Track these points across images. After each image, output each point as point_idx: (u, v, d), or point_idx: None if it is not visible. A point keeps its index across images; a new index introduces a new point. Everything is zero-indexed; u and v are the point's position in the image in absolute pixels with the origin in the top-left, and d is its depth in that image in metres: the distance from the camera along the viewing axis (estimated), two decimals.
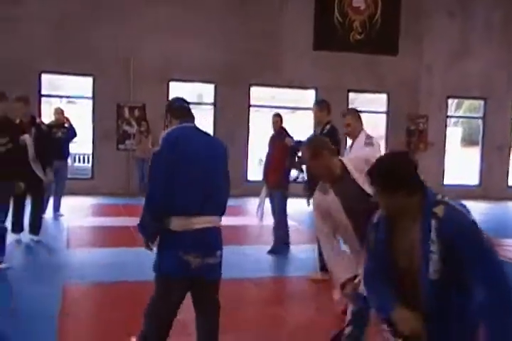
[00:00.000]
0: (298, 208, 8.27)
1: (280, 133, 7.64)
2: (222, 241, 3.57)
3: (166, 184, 3.35)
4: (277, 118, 7.77)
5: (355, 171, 3.25)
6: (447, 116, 15.81)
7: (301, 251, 7.55)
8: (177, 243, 3.39)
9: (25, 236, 7.75)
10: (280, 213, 7.57)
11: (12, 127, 6.77)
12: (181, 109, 3.66)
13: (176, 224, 3.38)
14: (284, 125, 7.77)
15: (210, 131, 13.88)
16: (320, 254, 5.49)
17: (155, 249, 3.52)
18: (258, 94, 14.71)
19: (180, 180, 3.37)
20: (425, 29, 15.02)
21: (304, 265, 6.82)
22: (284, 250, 7.59)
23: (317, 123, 6.59)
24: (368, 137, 5.52)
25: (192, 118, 3.66)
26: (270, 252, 7.51)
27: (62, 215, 10.05)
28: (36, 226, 7.87)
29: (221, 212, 3.53)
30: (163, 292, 3.48)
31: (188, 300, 3.57)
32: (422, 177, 2.52)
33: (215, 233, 3.50)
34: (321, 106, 6.52)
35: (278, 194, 7.54)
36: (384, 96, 15.18)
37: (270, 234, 7.73)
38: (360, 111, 5.96)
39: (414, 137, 15.20)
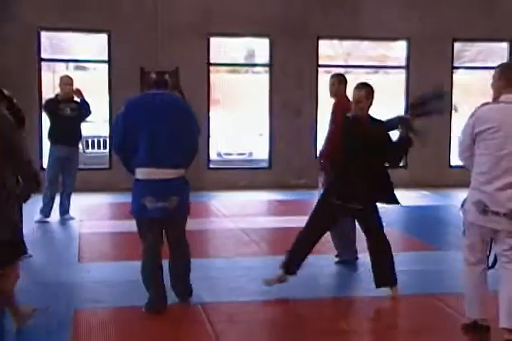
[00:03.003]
0: None
1: (341, 105, 7.41)
2: (179, 189, 5.56)
3: (123, 141, 5.50)
4: (333, 80, 7.60)
5: None
6: None
7: None
8: (139, 190, 5.51)
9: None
10: None
11: None
12: (153, 82, 5.68)
13: (139, 173, 5.47)
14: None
15: (265, 100, 13.78)
16: None
17: None
18: (329, 50, 14.52)
19: (132, 139, 5.41)
20: None
21: None
22: None
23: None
24: None
25: (162, 88, 5.65)
26: None
27: (72, 218, 10.13)
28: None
29: (175, 166, 5.48)
30: (139, 228, 5.66)
31: None
32: None
33: (169, 183, 5.45)
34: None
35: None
36: (504, 46, 14.71)
37: None
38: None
39: None
